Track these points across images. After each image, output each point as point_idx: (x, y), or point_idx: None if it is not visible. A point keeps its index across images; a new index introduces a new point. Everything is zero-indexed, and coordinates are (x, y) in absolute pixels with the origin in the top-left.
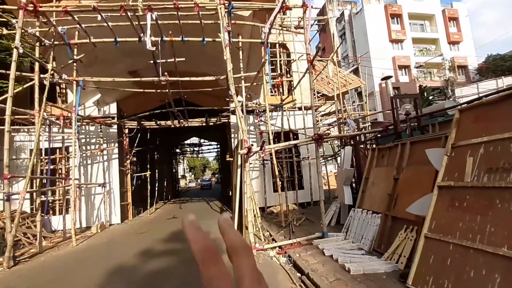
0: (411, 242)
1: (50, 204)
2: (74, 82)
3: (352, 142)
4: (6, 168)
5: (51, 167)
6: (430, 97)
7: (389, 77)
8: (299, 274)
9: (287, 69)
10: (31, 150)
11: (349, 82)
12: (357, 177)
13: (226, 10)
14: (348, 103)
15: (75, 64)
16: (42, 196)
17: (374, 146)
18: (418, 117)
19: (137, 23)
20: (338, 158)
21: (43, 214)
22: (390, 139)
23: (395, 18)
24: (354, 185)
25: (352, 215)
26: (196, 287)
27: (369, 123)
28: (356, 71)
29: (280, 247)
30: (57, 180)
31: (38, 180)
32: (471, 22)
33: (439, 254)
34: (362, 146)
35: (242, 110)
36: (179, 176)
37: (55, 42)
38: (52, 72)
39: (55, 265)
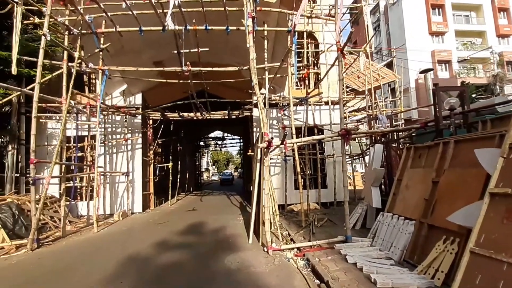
0: (451, 256)
1: (78, 190)
2: (100, 71)
3: (383, 140)
4: (33, 153)
5: (79, 154)
6: (473, 95)
7: (429, 70)
8: (317, 281)
9: (315, 61)
10: None
11: (382, 76)
12: (388, 178)
13: None
14: (380, 99)
15: (101, 53)
16: (70, 182)
17: (407, 145)
18: (465, 113)
19: (161, 11)
20: (366, 158)
21: (70, 199)
22: (427, 138)
23: (436, 9)
24: (383, 187)
25: (380, 220)
26: (204, 282)
27: (403, 121)
28: (390, 66)
29: (298, 248)
30: (84, 167)
31: (64, 166)
32: None
33: (488, 274)
34: (394, 144)
35: (264, 103)
36: (203, 169)
37: (83, 31)
38: (79, 60)
39: (74, 251)
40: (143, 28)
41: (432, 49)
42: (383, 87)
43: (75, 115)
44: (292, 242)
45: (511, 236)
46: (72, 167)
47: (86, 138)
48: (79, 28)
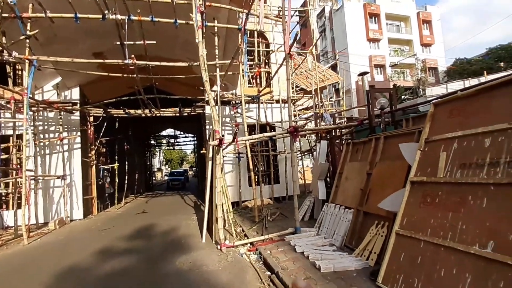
0: (382, 239)
1: (4, 198)
2: (27, 61)
3: (328, 136)
4: None
5: (3, 156)
6: (403, 96)
7: (365, 73)
8: (268, 273)
9: (266, 60)
10: None
11: (327, 78)
12: (332, 171)
13: None
14: (326, 98)
15: (28, 40)
16: None
17: (349, 141)
18: (393, 112)
19: None
20: (314, 153)
21: None
22: (364, 134)
23: (373, 18)
24: (329, 179)
25: (325, 210)
26: (154, 285)
27: (345, 119)
28: (334, 68)
29: (251, 243)
30: (9, 171)
31: None
32: (442, 27)
33: (410, 252)
34: (337, 141)
35: (216, 100)
36: (155, 169)
37: (4, 14)
38: (0, 48)
39: None
40: (79, 15)
41: (369, 54)
42: (328, 87)
43: None
44: (245, 237)
45: (427, 218)
46: None
47: (11, 137)
48: (0, 11)
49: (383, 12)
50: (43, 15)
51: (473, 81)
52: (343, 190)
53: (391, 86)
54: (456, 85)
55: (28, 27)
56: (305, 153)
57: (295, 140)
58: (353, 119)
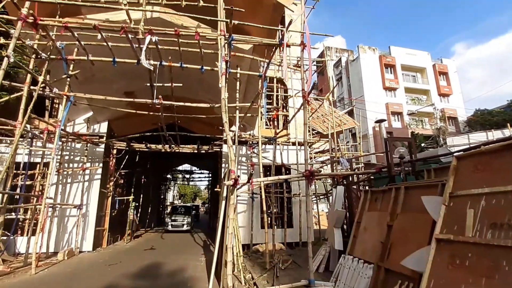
0: None
1: (20, 224)
2: (65, 96)
3: (344, 182)
4: None
5: (28, 183)
6: (423, 144)
7: (382, 120)
8: None
9: (284, 104)
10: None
11: (344, 122)
12: (349, 219)
13: (226, 41)
14: (342, 142)
15: (68, 79)
16: (12, 213)
17: (367, 188)
18: (413, 161)
19: (137, 45)
20: (330, 198)
21: (8, 234)
22: (383, 182)
23: (389, 68)
24: (345, 227)
25: (342, 263)
26: None
27: (362, 164)
28: (351, 113)
29: None
30: (31, 197)
31: (7, 195)
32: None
33: None
34: (354, 186)
35: (234, 140)
36: (167, 203)
37: (52, 56)
38: (43, 85)
39: None
40: (117, 60)
41: (386, 101)
42: (345, 132)
43: (29, 140)
44: (255, 286)
45: (457, 283)
46: (17, 197)
47: (38, 165)
48: (48, 53)
49: (398, 63)
50: (85, 58)
51: (497, 133)
52: (361, 241)
53: (409, 134)
54: (479, 136)
55: (71, 68)
56: (321, 197)
57: (310, 184)
58: (371, 165)
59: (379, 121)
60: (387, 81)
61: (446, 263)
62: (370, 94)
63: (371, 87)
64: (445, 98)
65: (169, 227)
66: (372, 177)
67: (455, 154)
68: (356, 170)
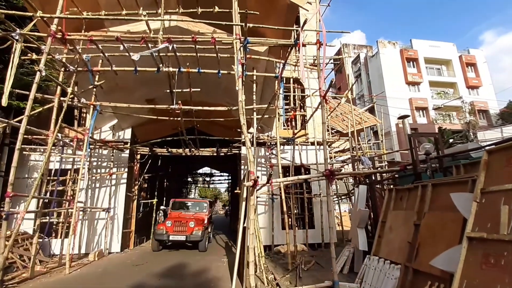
0: None
1: (54, 226)
2: (92, 106)
3: (367, 181)
4: (10, 186)
5: (59, 188)
6: (451, 140)
7: (406, 116)
8: None
9: (301, 104)
10: None
11: (364, 120)
12: (373, 219)
13: (242, 44)
14: (363, 141)
15: (95, 89)
16: (46, 217)
17: (391, 186)
18: (440, 157)
19: (156, 54)
20: (353, 198)
21: (44, 236)
22: (408, 180)
23: (411, 62)
24: (369, 227)
25: (367, 264)
26: None
27: (386, 163)
28: (371, 111)
29: None
30: (63, 201)
31: (41, 200)
32: (490, 68)
33: None
34: (378, 186)
35: (252, 142)
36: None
37: (79, 68)
38: (72, 96)
39: None
40: (138, 69)
41: (409, 97)
42: (366, 130)
43: (60, 148)
44: (277, 287)
45: (491, 282)
46: (50, 201)
47: (69, 171)
48: (76, 66)
49: (421, 56)
50: (109, 68)
51: None
52: (387, 241)
53: (436, 129)
54: None
55: (96, 78)
56: (342, 197)
57: (331, 184)
58: (395, 163)
59: (402, 117)
60: (410, 75)
61: (479, 263)
62: (392, 90)
63: (392, 82)
64: (474, 91)
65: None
66: (396, 176)
67: (486, 148)
68: (378, 168)
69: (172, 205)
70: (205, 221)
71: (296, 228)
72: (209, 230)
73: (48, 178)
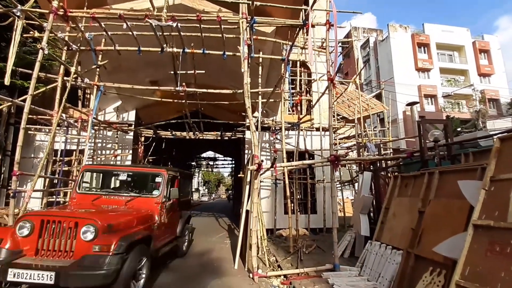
0: None
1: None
2: (95, 86)
3: (372, 168)
4: (17, 165)
5: (65, 168)
6: (458, 129)
7: (415, 103)
8: None
9: (307, 89)
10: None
11: (371, 107)
12: (376, 206)
13: (248, 24)
14: (369, 128)
15: (98, 69)
16: (53, 196)
17: (396, 174)
18: (449, 145)
19: (160, 33)
20: (356, 184)
21: None
22: (414, 167)
23: (422, 47)
24: (372, 214)
25: (368, 249)
26: None
27: (391, 150)
28: (379, 97)
29: (285, 276)
30: (69, 181)
31: (48, 180)
32: (504, 55)
33: None
34: (382, 173)
35: (256, 126)
36: (193, 190)
37: (82, 47)
38: (75, 75)
39: None
40: (141, 48)
41: (418, 83)
42: (372, 117)
43: (65, 128)
44: (279, 268)
45: (496, 270)
46: (56, 181)
47: (74, 152)
48: (78, 44)
49: (433, 41)
50: (112, 48)
51: None
52: (390, 227)
53: (444, 118)
54: None
55: (99, 58)
56: (345, 184)
57: (336, 169)
58: (401, 151)
59: (411, 104)
60: (420, 61)
61: (484, 250)
62: (401, 76)
63: (402, 68)
64: (485, 78)
65: None
66: (401, 163)
67: (498, 135)
68: (384, 155)
69: (81, 177)
70: (152, 220)
71: (299, 213)
72: (179, 239)
73: (54, 158)
